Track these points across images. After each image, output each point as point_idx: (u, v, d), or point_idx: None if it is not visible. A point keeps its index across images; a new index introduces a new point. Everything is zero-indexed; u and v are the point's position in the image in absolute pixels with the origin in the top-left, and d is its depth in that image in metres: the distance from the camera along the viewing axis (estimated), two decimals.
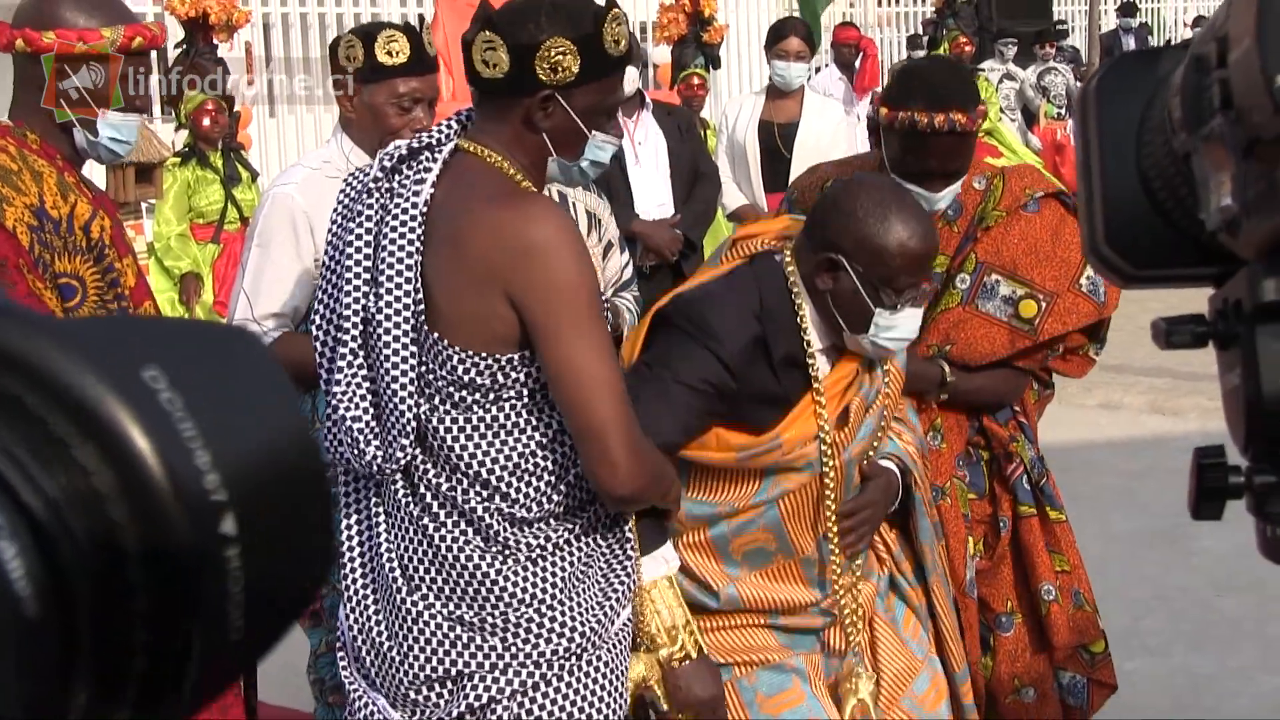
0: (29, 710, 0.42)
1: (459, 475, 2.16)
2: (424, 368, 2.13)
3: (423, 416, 2.15)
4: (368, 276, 2.13)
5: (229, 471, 0.45)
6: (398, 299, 2.09)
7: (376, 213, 2.15)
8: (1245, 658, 4.42)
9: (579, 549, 2.21)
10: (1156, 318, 0.78)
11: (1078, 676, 3.11)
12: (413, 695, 2.21)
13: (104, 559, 0.43)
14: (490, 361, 2.10)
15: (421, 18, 10.27)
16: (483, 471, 2.15)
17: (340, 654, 2.35)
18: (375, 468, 2.17)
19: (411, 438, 2.14)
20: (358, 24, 8.51)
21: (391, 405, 2.12)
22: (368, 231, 2.14)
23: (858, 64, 9.57)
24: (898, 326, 2.41)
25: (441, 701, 2.19)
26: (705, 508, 2.49)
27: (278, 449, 0.48)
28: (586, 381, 2.05)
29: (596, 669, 2.21)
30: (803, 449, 2.45)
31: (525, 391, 2.13)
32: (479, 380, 2.11)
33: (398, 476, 2.20)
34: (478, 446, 2.14)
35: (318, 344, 2.23)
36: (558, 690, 2.17)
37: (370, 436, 2.16)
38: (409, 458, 2.16)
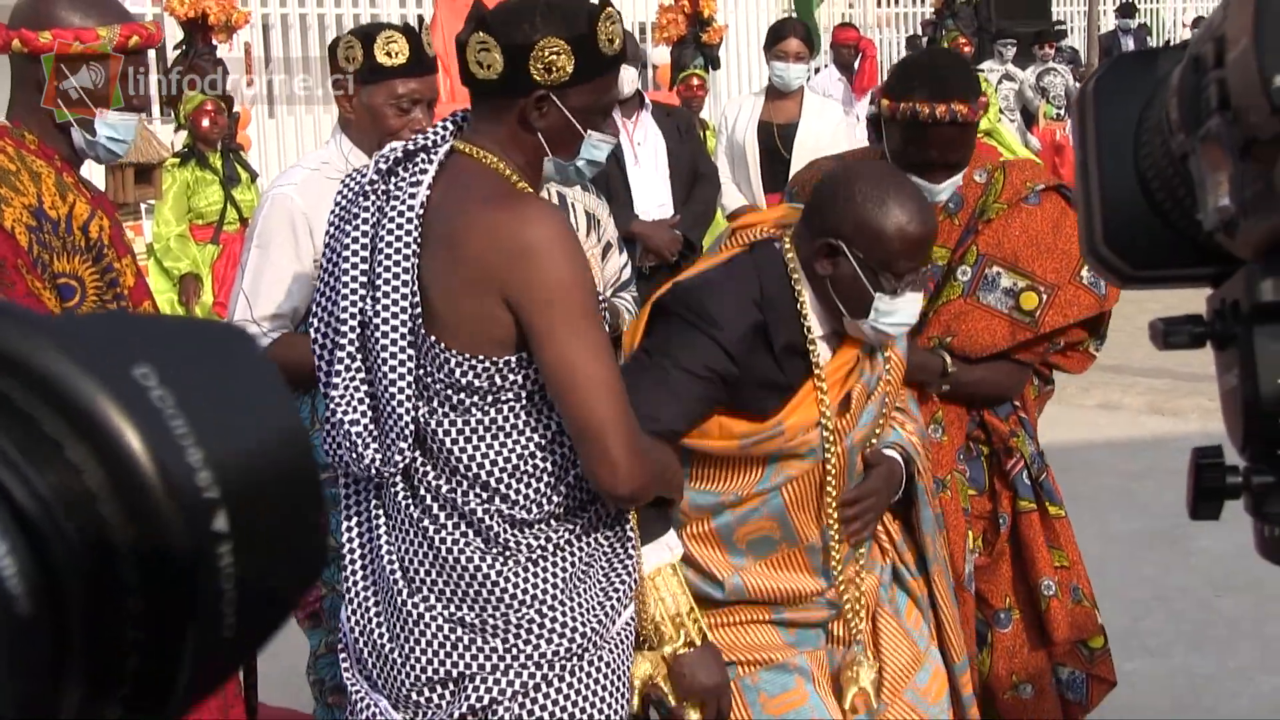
0: (21, 709, 0.42)
1: (459, 477, 2.16)
2: (422, 371, 2.13)
3: (421, 419, 2.15)
4: (365, 280, 2.13)
5: (221, 469, 0.45)
6: (395, 302, 2.09)
7: (373, 215, 2.14)
8: (1244, 658, 4.42)
9: (580, 549, 2.21)
10: (1154, 318, 0.78)
11: (1077, 672, 3.11)
12: (414, 696, 2.21)
13: (96, 557, 0.43)
14: (488, 364, 2.09)
15: (421, 18, 10.28)
16: (482, 473, 2.14)
17: (342, 655, 2.35)
18: (374, 471, 2.17)
19: (410, 441, 2.14)
20: (357, 25, 8.52)
21: (389, 409, 2.12)
22: (364, 235, 2.14)
23: (857, 65, 9.57)
24: (898, 311, 2.41)
25: (443, 703, 2.20)
26: (709, 497, 2.49)
27: (270, 447, 0.48)
28: (584, 382, 2.05)
29: (598, 669, 2.21)
30: (805, 435, 2.45)
31: (524, 393, 2.13)
32: (477, 383, 2.11)
33: (398, 479, 2.20)
34: (476, 449, 2.14)
35: (316, 347, 2.23)
36: (559, 691, 2.17)
37: (369, 440, 2.16)
38: (407, 461, 2.16)
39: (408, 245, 2.09)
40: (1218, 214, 0.69)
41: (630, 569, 2.27)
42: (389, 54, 3.09)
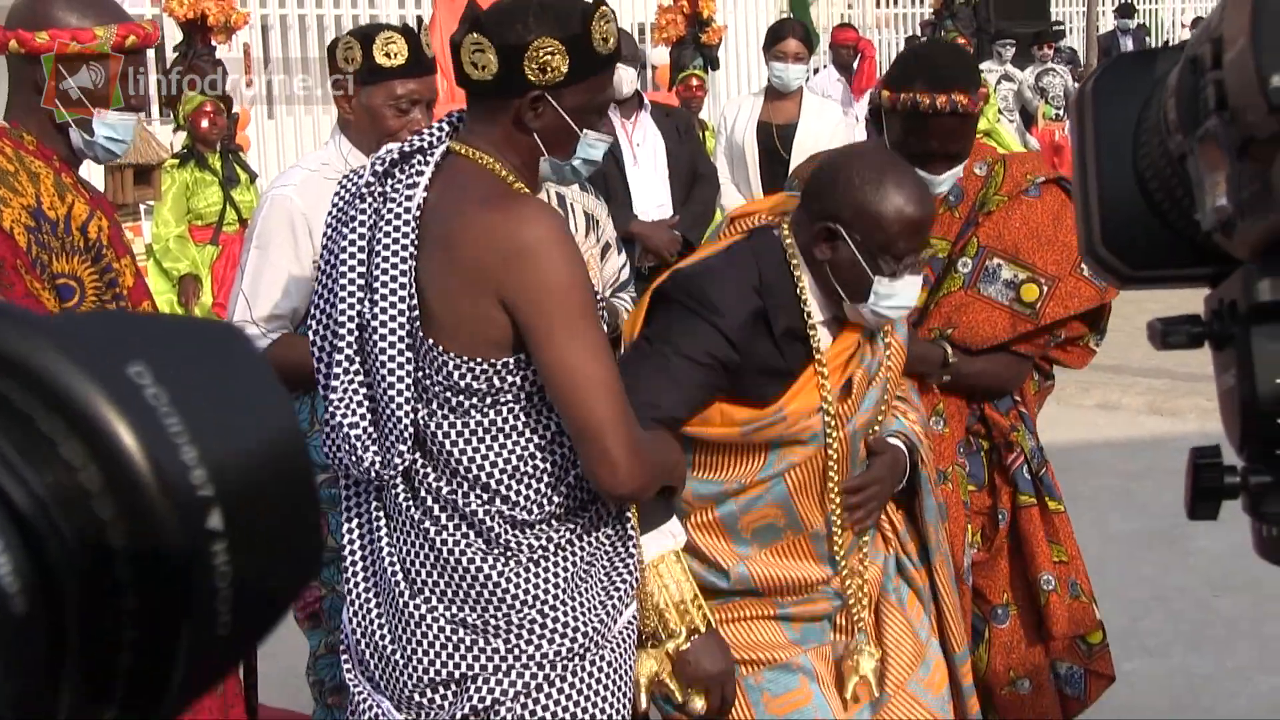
0: (17, 708, 0.42)
1: (459, 479, 2.16)
2: (420, 373, 2.13)
3: (421, 421, 2.15)
4: (362, 283, 2.13)
5: (216, 467, 0.45)
6: (393, 305, 2.09)
7: (370, 218, 2.14)
8: (1242, 658, 4.42)
9: (581, 549, 2.21)
10: (1152, 319, 0.78)
11: (1075, 667, 3.12)
12: (417, 698, 2.21)
13: (91, 555, 0.43)
14: (486, 366, 2.09)
15: (420, 19, 10.28)
16: (482, 475, 2.14)
17: (344, 656, 2.35)
18: (374, 473, 2.17)
19: (409, 443, 2.14)
20: (356, 26, 8.52)
21: (388, 411, 2.12)
22: (361, 237, 2.13)
23: (856, 65, 9.58)
24: (897, 294, 2.41)
25: (446, 704, 2.19)
26: (712, 486, 2.49)
27: (266, 445, 0.48)
28: (582, 382, 2.04)
29: (600, 669, 2.21)
30: (806, 421, 2.45)
31: (522, 395, 2.13)
32: (475, 385, 2.11)
33: (398, 480, 2.20)
34: (476, 450, 2.14)
35: (315, 350, 2.22)
36: (561, 691, 2.17)
37: (368, 442, 2.16)
38: (406, 463, 2.16)
39: (405, 247, 2.09)
40: (1215, 214, 0.69)
41: (631, 568, 2.27)
42: (388, 55, 3.09)
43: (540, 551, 2.17)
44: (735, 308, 2.40)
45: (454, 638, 2.17)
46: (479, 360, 2.09)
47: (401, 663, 2.20)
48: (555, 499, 2.16)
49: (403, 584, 2.20)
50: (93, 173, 6.93)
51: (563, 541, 2.18)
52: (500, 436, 2.14)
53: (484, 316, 2.07)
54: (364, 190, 2.16)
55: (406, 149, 2.17)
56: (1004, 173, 2.98)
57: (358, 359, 2.16)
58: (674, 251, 5.41)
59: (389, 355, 2.10)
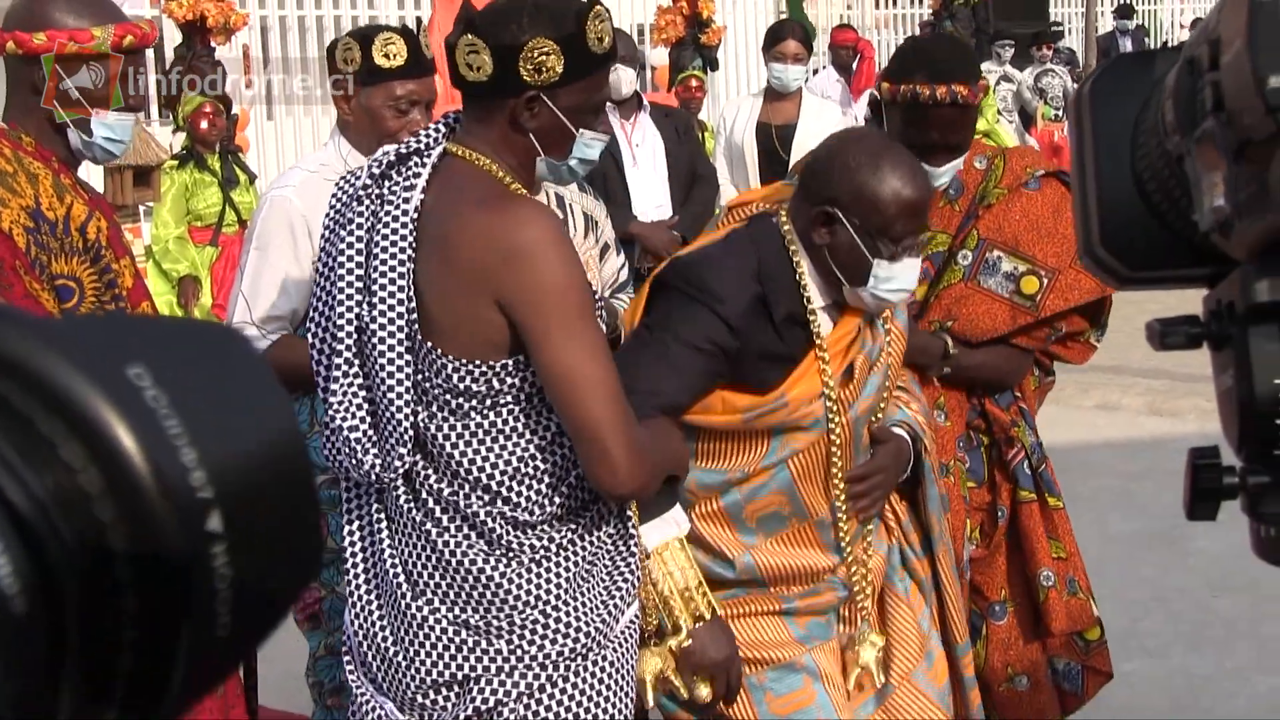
0: (17, 709, 0.42)
1: (460, 480, 2.16)
2: (420, 376, 2.13)
3: (421, 423, 2.15)
4: (360, 285, 2.13)
5: (215, 469, 0.45)
6: (391, 308, 2.09)
7: (367, 220, 2.14)
8: (1241, 658, 4.42)
9: (583, 549, 2.21)
10: (1151, 319, 0.78)
11: (1072, 664, 3.12)
12: (420, 699, 2.21)
13: (91, 557, 0.43)
14: (485, 368, 2.09)
15: (419, 20, 10.28)
16: (483, 477, 2.14)
17: (346, 658, 2.35)
18: (374, 476, 2.17)
19: (409, 446, 2.14)
20: (355, 27, 8.51)
21: (388, 415, 2.12)
22: (359, 240, 2.13)
23: (855, 66, 9.58)
24: (896, 277, 2.41)
25: (449, 705, 2.19)
26: (716, 475, 2.49)
27: (265, 447, 0.48)
28: (580, 383, 2.04)
29: (602, 669, 2.21)
30: (808, 407, 2.45)
31: (522, 396, 2.13)
32: (474, 387, 2.10)
33: (399, 482, 2.20)
34: (476, 452, 2.14)
35: (314, 352, 2.22)
36: (564, 691, 2.17)
37: (368, 445, 2.16)
38: (407, 466, 2.16)
39: (403, 250, 2.09)
40: (1213, 215, 0.69)
41: (633, 566, 2.27)
42: (387, 56, 3.09)
43: (542, 552, 2.17)
44: (735, 294, 2.40)
45: (456, 639, 2.17)
46: (477, 363, 2.09)
47: (404, 664, 2.20)
48: (556, 500, 2.16)
49: (405, 586, 2.20)
50: (92, 174, 6.93)
51: (564, 542, 2.18)
52: (500, 438, 2.14)
53: (482, 318, 2.07)
54: (361, 193, 2.15)
55: (403, 151, 2.17)
56: (1004, 166, 2.99)
57: (357, 362, 2.15)
58: (673, 252, 5.41)
59: (388, 358, 2.10)
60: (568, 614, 2.17)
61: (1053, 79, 12.93)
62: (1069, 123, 0.86)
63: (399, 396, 2.10)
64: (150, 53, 2.68)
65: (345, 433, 2.15)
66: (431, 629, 2.18)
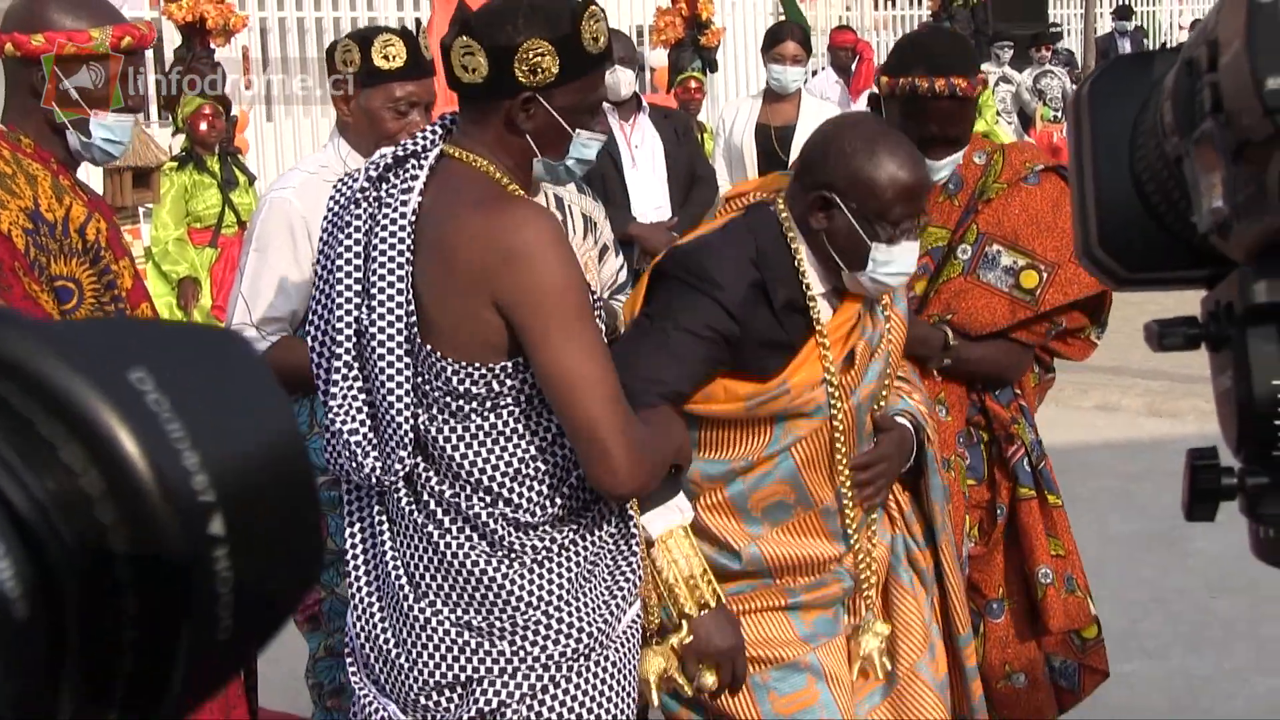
0: (17, 710, 0.42)
1: (461, 482, 2.16)
2: (419, 379, 2.13)
3: (421, 426, 2.15)
4: (359, 289, 2.13)
5: (217, 472, 0.45)
6: (390, 310, 2.09)
7: (365, 223, 2.14)
8: (1240, 659, 4.42)
9: (584, 549, 2.21)
10: (1149, 320, 0.79)
11: (1069, 661, 3.12)
12: (423, 701, 2.21)
13: (92, 559, 0.44)
14: (484, 371, 2.09)
15: (418, 21, 10.28)
16: (484, 478, 2.14)
17: (348, 660, 2.35)
18: (375, 479, 2.17)
19: (410, 449, 2.14)
20: (354, 28, 8.52)
21: (388, 418, 2.12)
22: (357, 243, 2.13)
23: (854, 67, 9.58)
24: (895, 260, 2.42)
25: (452, 706, 2.19)
26: (720, 465, 2.49)
27: (267, 450, 0.48)
28: (579, 383, 2.04)
29: (604, 669, 2.21)
30: (810, 394, 2.45)
31: (522, 398, 2.13)
32: (474, 390, 2.10)
33: (400, 484, 2.20)
34: (477, 454, 2.14)
35: (313, 355, 2.22)
36: (566, 692, 2.18)
37: (368, 448, 2.15)
38: (407, 468, 2.16)
39: (401, 253, 2.09)
40: (1211, 216, 0.69)
41: (635, 566, 2.27)
42: (386, 57, 3.09)
43: (544, 553, 2.17)
44: (734, 281, 2.41)
45: (459, 640, 2.17)
46: (477, 365, 2.09)
47: (407, 666, 2.20)
48: (558, 500, 2.16)
49: (407, 587, 2.20)
50: (91, 175, 6.93)
51: (566, 542, 2.19)
52: (501, 440, 2.14)
53: (480, 320, 2.06)
54: (359, 195, 2.15)
55: (400, 153, 2.17)
56: (1003, 161, 3.00)
57: (356, 365, 2.15)
58: None
59: (388, 361, 2.10)
60: (570, 615, 2.17)
61: (1051, 80, 12.93)
62: (1068, 124, 0.86)
63: (399, 399, 2.10)
64: (150, 54, 2.68)
65: (345, 436, 2.15)
66: (434, 630, 2.18)
